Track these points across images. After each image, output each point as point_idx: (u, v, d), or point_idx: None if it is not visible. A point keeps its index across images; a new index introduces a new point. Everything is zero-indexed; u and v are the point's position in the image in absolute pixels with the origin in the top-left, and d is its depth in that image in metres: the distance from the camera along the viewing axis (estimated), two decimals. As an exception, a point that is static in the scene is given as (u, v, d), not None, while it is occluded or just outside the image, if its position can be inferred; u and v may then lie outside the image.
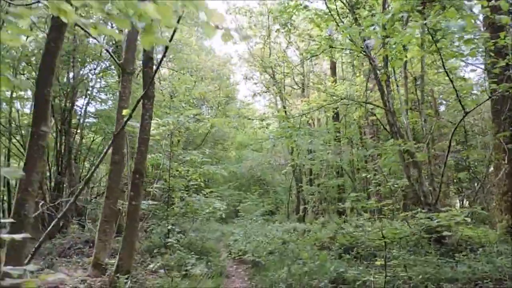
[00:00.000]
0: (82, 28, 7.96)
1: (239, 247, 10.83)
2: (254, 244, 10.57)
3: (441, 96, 19.37)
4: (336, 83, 17.03)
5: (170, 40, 5.88)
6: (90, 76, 18.26)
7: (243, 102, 30.45)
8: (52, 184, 15.63)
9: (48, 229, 5.63)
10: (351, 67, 18.42)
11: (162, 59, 5.74)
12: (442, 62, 7.43)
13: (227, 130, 28.19)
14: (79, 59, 16.22)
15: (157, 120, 8.46)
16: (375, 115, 15.24)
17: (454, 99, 18.83)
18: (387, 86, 9.50)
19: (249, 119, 18.39)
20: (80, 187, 5.95)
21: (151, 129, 8.70)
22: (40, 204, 9.19)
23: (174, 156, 12.18)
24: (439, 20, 5.28)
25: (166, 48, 5.84)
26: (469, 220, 5.45)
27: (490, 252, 6.63)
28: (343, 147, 18.79)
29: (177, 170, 12.61)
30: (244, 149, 30.15)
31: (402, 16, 5.88)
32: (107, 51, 7.54)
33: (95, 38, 7.84)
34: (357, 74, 17.16)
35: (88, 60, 16.69)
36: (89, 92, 18.24)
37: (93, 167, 5.63)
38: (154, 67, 7.25)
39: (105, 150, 5.85)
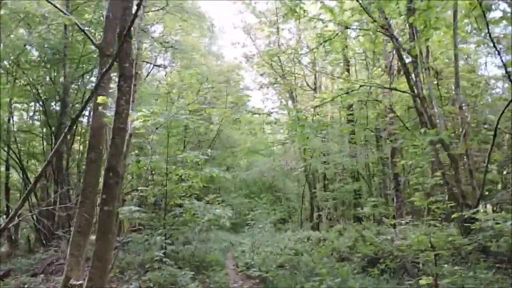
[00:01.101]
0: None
1: (245, 260, 9.45)
2: (262, 256, 9.17)
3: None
4: (350, 75, 15.65)
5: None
6: (87, 78, 17.31)
7: (254, 107, 29.17)
8: (52, 194, 14.58)
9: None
10: (365, 59, 16.95)
11: (136, 12, 4.47)
12: (488, 30, 6.03)
13: (237, 137, 26.93)
14: (75, 59, 15.22)
15: (143, 111, 7.18)
16: (394, 112, 13.77)
17: (479, 93, 17.18)
18: (415, 68, 8.07)
19: (255, 113, 16.96)
20: (29, 189, 4.74)
21: (138, 121, 7.46)
22: (17, 214, 7.94)
23: (171, 157, 10.95)
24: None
25: None
26: None
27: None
28: (358, 150, 17.30)
29: (176, 174, 11.34)
30: (255, 155, 28.81)
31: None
32: (81, 28, 6.33)
33: (59, 9, 6.64)
34: (374, 67, 15.67)
35: (82, 61, 15.51)
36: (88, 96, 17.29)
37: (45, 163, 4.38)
38: (134, 42, 6.00)
39: (58, 141, 4.60)
